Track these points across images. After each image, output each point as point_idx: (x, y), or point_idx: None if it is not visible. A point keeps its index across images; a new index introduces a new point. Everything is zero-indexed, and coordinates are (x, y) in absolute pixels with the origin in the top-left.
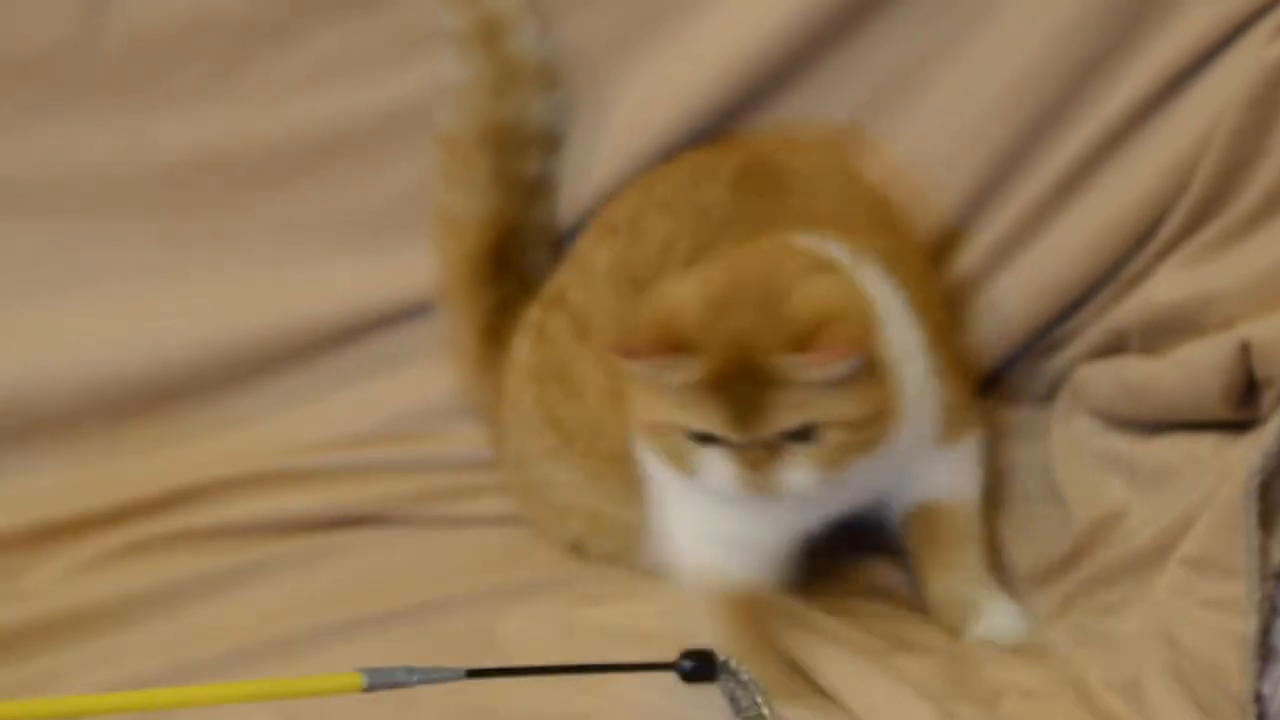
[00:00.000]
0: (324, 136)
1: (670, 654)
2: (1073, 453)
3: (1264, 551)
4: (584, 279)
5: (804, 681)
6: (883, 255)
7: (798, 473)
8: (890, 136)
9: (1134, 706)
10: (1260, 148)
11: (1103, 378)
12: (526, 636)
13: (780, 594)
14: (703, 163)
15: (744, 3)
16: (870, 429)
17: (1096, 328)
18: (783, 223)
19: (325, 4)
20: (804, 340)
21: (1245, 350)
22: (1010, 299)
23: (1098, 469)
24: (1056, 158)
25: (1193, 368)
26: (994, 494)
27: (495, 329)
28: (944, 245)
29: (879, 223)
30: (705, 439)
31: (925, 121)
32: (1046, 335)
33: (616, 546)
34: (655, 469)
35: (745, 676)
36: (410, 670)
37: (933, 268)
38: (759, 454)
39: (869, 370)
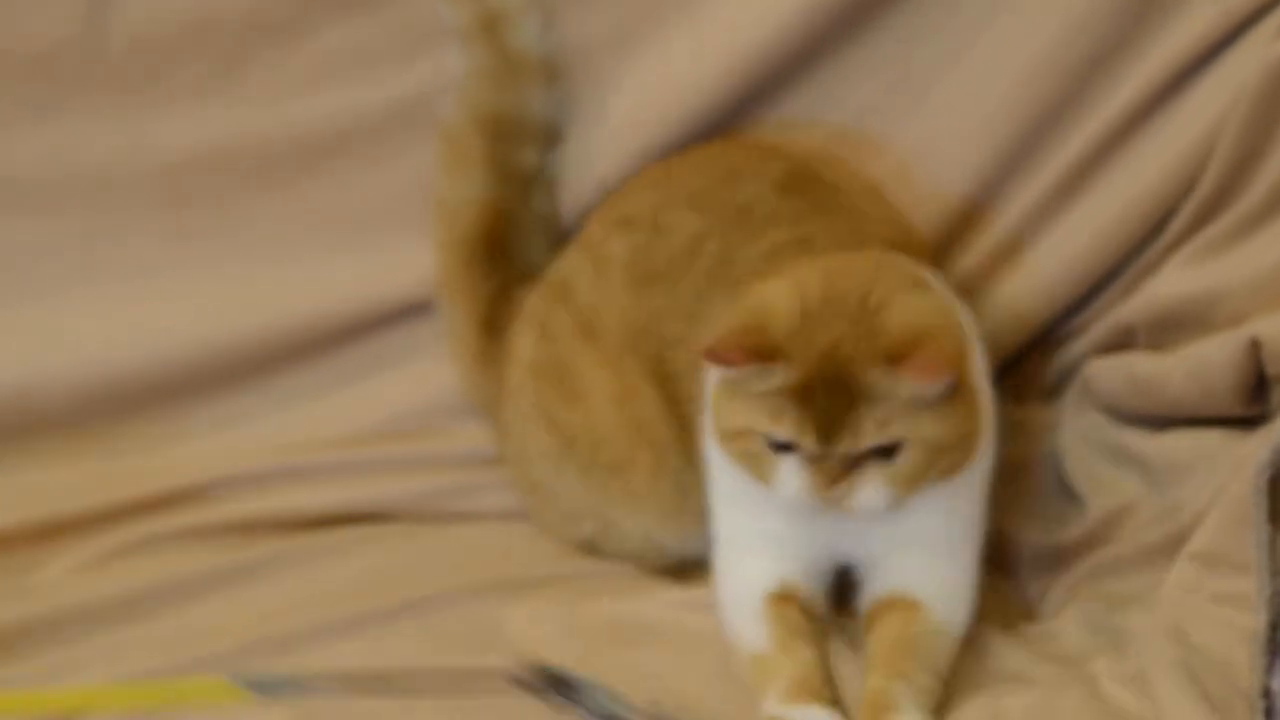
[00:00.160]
0: (325, 135)
1: (673, 649)
2: (1083, 447)
3: (1274, 547)
4: (595, 273)
5: (832, 687)
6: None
7: (872, 490)
8: (896, 133)
9: (1143, 701)
10: (1267, 143)
11: (1111, 373)
12: (529, 632)
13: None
14: (737, 163)
15: None
16: (953, 453)
17: (1104, 323)
18: (837, 232)
19: (326, 3)
20: (898, 355)
21: (1255, 347)
22: (1018, 294)
23: (1109, 463)
24: (1063, 154)
25: (1202, 364)
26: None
27: (494, 320)
28: (951, 240)
29: (909, 241)
30: (785, 447)
31: (930, 119)
32: (1054, 330)
33: (630, 550)
34: (722, 475)
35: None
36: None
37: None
38: (836, 467)
39: (958, 392)
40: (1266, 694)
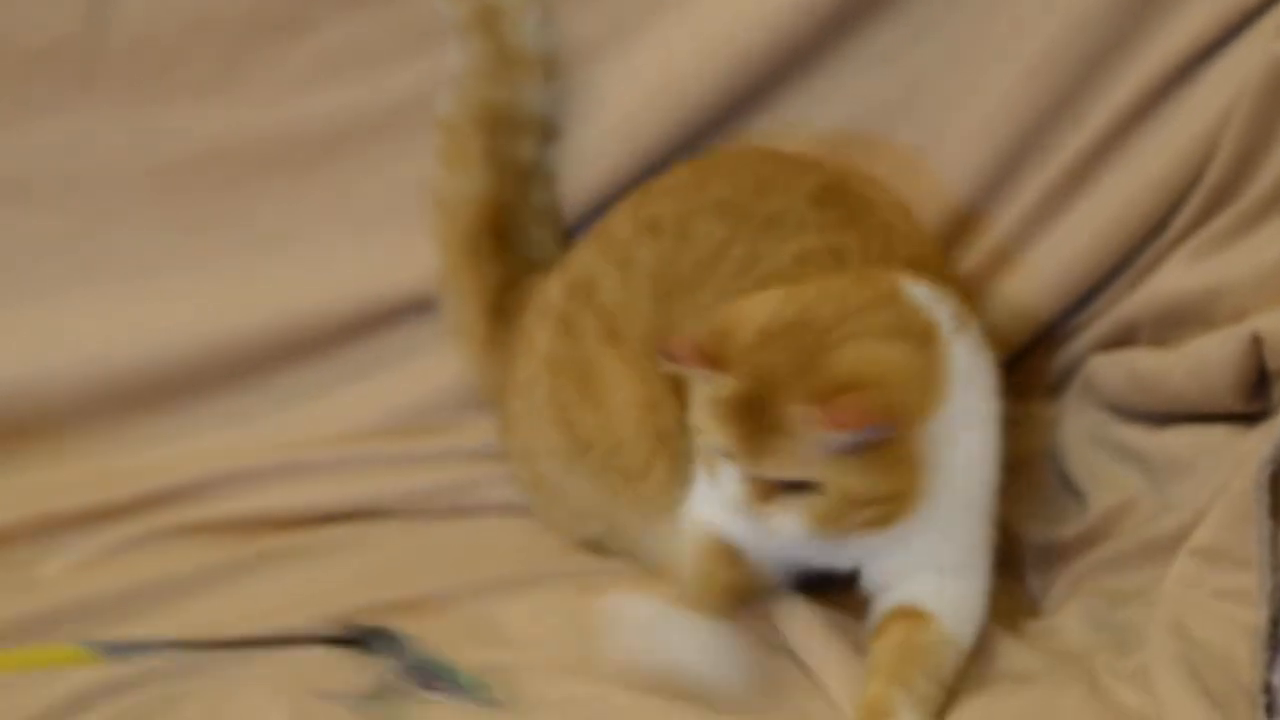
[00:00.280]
0: (326, 133)
1: None
2: (1085, 443)
3: (1275, 542)
4: (621, 276)
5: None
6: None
7: (790, 520)
8: (896, 130)
9: (1144, 696)
10: (1270, 140)
11: (1113, 369)
12: (531, 627)
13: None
14: (769, 174)
15: None
16: (878, 507)
17: (1107, 319)
18: (867, 245)
19: (327, 0)
20: (821, 398)
21: (1257, 343)
22: (1021, 290)
23: (1111, 459)
24: (1064, 151)
25: (1204, 360)
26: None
27: (503, 308)
28: (955, 236)
29: (933, 259)
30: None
31: (931, 116)
32: (1057, 326)
33: (636, 551)
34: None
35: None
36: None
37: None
38: (763, 487)
39: (890, 447)
40: (1268, 689)
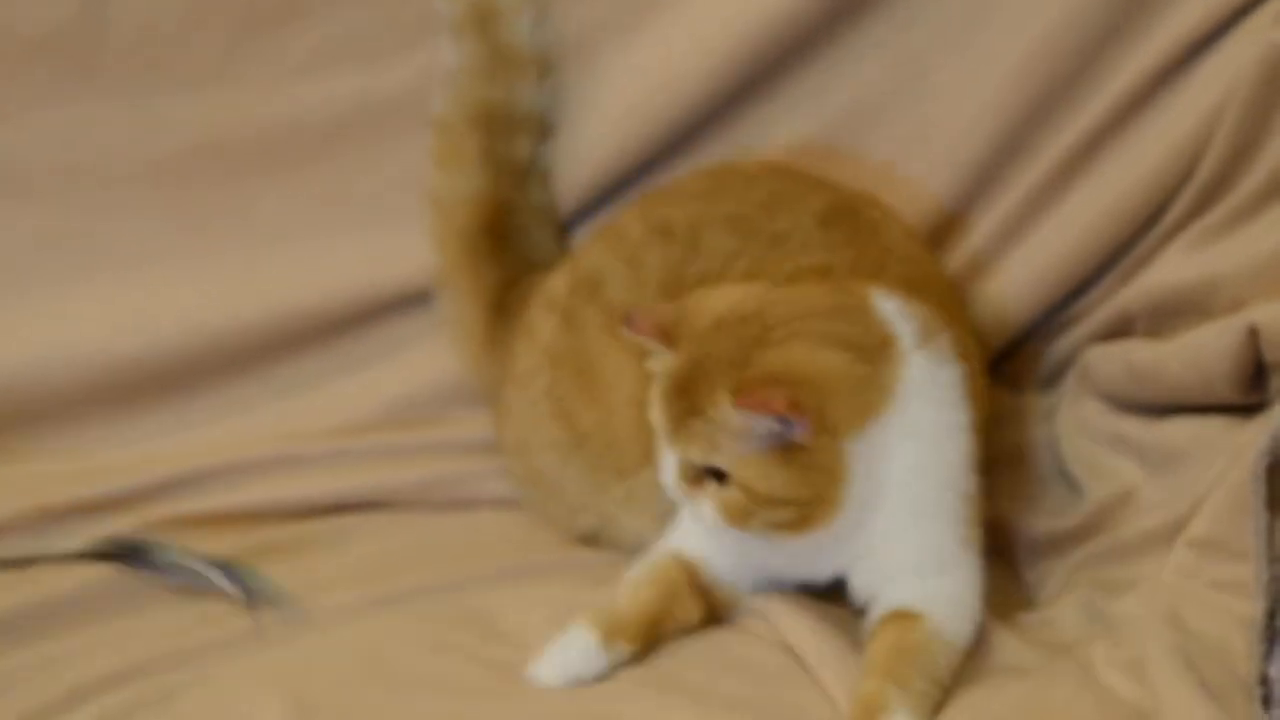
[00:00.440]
0: (325, 123)
1: None
2: (1081, 434)
3: (1272, 534)
4: (629, 276)
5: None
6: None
7: (708, 508)
8: (893, 119)
9: (1140, 688)
10: (1267, 129)
11: (1110, 361)
12: (528, 619)
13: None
14: (781, 191)
15: None
16: (786, 509)
17: (1103, 310)
18: (857, 264)
19: None
20: (740, 387)
21: (1254, 334)
22: (1016, 281)
23: (1107, 450)
24: (1061, 140)
25: (1200, 351)
26: (1001, 474)
27: (501, 306)
28: (950, 227)
29: (931, 282)
30: None
31: (926, 107)
32: (1053, 318)
33: (629, 545)
34: None
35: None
36: None
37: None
38: (691, 471)
39: (807, 455)
40: (1264, 681)
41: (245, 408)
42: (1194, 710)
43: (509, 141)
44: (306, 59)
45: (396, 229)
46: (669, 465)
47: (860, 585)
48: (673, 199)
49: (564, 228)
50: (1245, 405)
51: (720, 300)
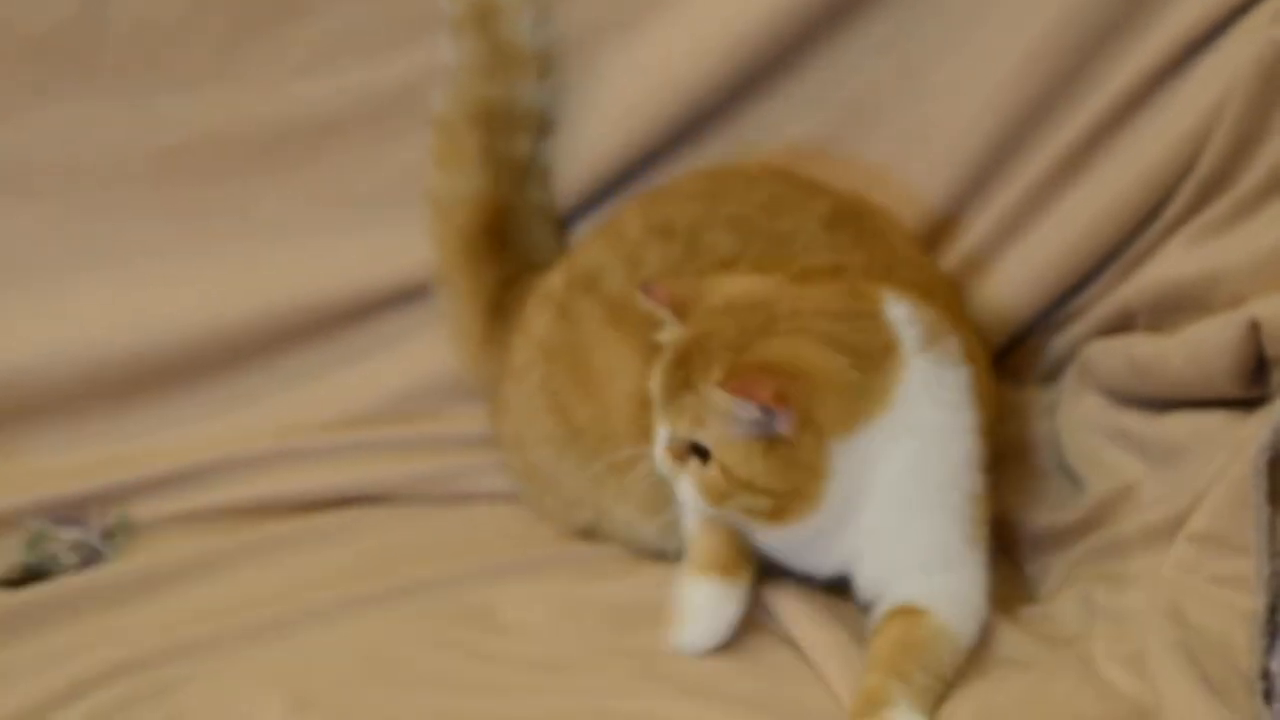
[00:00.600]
0: (324, 118)
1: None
2: (1083, 429)
3: (1273, 528)
4: (628, 274)
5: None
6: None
7: (687, 484)
8: (896, 113)
9: (1141, 682)
10: (1267, 124)
11: (1110, 355)
12: (528, 613)
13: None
14: (783, 195)
15: None
16: (762, 498)
17: (1104, 305)
18: (870, 266)
19: None
20: (732, 371)
21: (1255, 329)
22: (1017, 276)
23: (1109, 445)
24: (1061, 138)
25: (1201, 346)
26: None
27: (501, 305)
28: (949, 225)
29: (937, 287)
30: None
31: (932, 97)
32: (1054, 312)
33: (623, 537)
34: None
35: None
36: None
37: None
38: (678, 446)
39: (789, 448)
40: (1265, 675)
41: (244, 402)
42: (1195, 705)
43: (509, 140)
44: (306, 56)
45: (395, 225)
46: (660, 437)
47: (865, 582)
48: (673, 199)
49: (563, 226)
50: (1246, 400)
51: (737, 285)
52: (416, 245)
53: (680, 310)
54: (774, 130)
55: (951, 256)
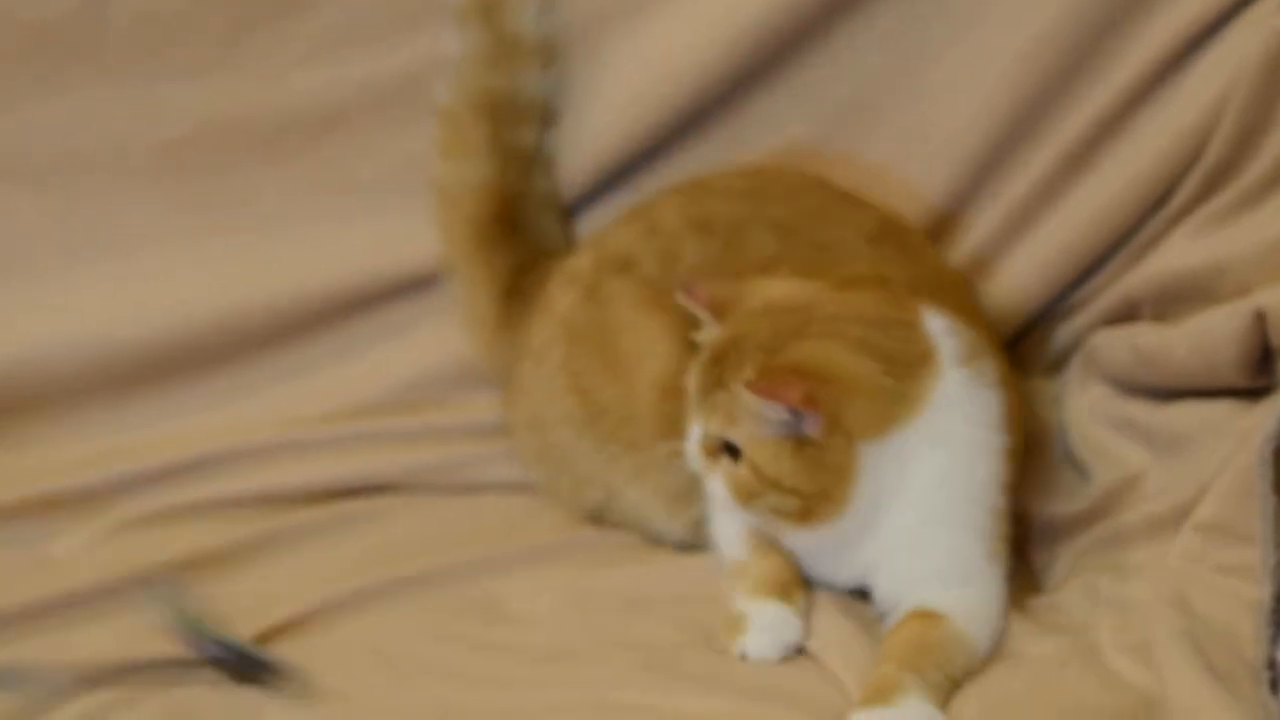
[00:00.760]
0: (328, 108)
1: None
2: (1088, 419)
3: (1279, 518)
4: (661, 265)
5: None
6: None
7: (718, 482)
8: (900, 105)
9: (1147, 671)
10: (1273, 115)
11: (1116, 345)
12: (534, 603)
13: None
14: (828, 206)
15: None
16: (790, 499)
17: (1109, 295)
18: (914, 279)
19: None
20: (763, 372)
21: (1260, 318)
22: (1023, 266)
23: (1114, 435)
24: (1068, 126)
25: (1207, 336)
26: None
27: (514, 292)
28: (951, 221)
29: (982, 319)
30: None
31: (936, 89)
32: (1059, 302)
33: (631, 519)
34: None
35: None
36: None
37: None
38: (710, 443)
39: (818, 449)
40: (1271, 665)
41: (249, 393)
42: (1201, 694)
43: (514, 130)
44: (309, 46)
45: (399, 215)
46: (693, 433)
47: (884, 592)
48: (715, 195)
49: (568, 215)
50: (1251, 389)
51: (777, 289)
52: (420, 235)
53: (719, 312)
54: (776, 123)
55: (955, 252)
